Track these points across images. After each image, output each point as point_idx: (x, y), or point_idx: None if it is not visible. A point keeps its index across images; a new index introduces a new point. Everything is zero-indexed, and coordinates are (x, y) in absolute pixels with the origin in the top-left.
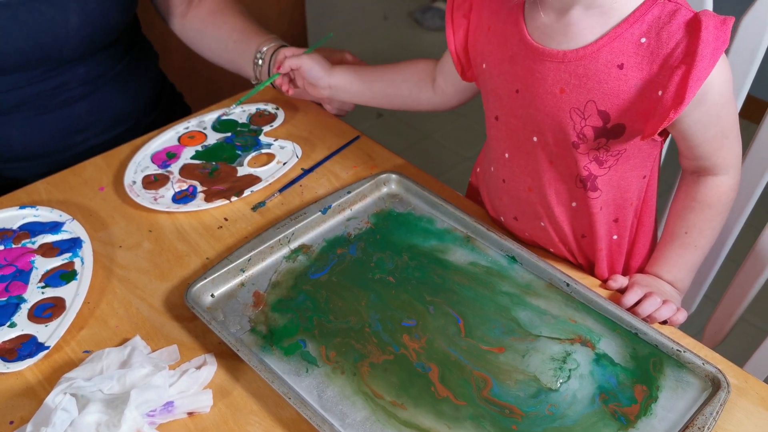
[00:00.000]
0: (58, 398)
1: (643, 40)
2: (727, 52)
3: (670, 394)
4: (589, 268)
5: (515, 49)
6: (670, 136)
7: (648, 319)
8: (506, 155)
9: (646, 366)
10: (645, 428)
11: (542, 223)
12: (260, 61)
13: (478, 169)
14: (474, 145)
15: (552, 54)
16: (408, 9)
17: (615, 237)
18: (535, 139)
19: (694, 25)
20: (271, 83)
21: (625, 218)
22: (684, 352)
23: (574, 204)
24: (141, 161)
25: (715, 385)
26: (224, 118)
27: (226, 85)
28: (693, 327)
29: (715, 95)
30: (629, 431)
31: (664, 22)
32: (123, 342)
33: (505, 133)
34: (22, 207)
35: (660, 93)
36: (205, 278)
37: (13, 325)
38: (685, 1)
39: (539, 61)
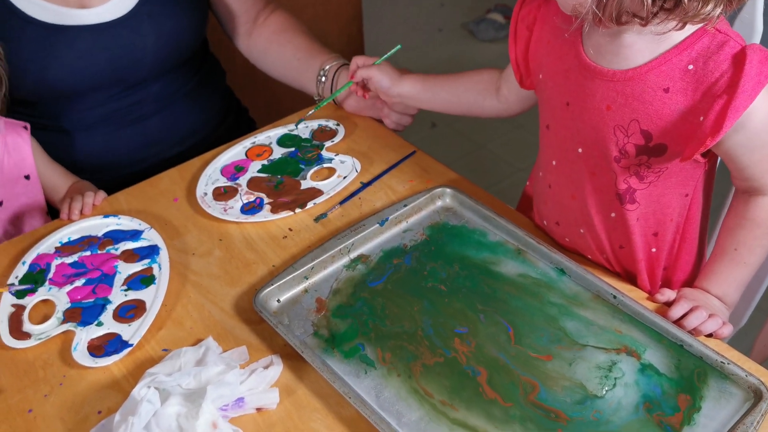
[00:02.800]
0: (143, 391)
1: (691, 67)
2: None
3: (713, 404)
4: (628, 278)
5: (570, 64)
6: (719, 158)
7: (694, 332)
8: (553, 162)
9: (690, 376)
10: None
11: (581, 230)
12: (323, 78)
13: (534, 176)
14: (528, 156)
15: (603, 72)
16: (462, 21)
17: (654, 250)
18: (580, 150)
19: (740, 58)
20: (333, 99)
21: (664, 233)
22: (728, 364)
23: (612, 215)
24: (211, 174)
25: (757, 396)
26: (290, 132)
27: (288, 99)
28: (745, 341)
29: (758, 123)
30: None
31: (713, 52)
32: (197, 342)
33: (554, 141)
34: (106, 216)
35: (701, 119)
36: (272, 285)
37: (100, 324)
38: (736, 33)
39: (590, 77)
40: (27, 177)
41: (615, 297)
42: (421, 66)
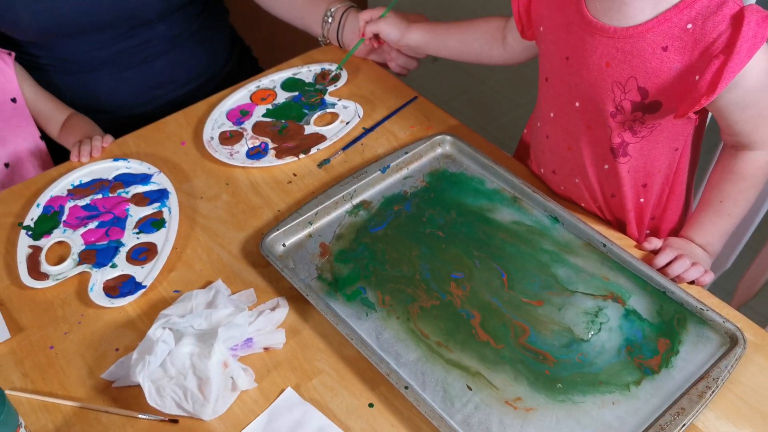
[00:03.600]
0: (158, 332)
1: (690, 26)
2: None
3: (691, 348)
4: (618, 226)
5: (571, 18)
6: (710, 114)
7: (677, 279)
8: (551, 114)
9: (670, 322)
10: (665, 377)
11: (576, 180)
12: (330, 20)
13: (532, 125)
14: (527, 92)
15: (604, 29)
16: None
17: (642, 200)
18: (577, 104)
19: (737, 19)
20: (340, 44)
21: (652, 184)
22: (707, 310)
23: (606, 166)
24: (217, 118)
25: (732, 341)
26: (293, 76)
27: (290, 38)
28: (729, 283)
29: (752, 81)
30: (650, 379)
31: (711, 12)
32: (207, 284)
33: (552, 94)
34: (116, 159)
35: (696, 78)
36: (278, 230)
37: (114, 266)
38: None
39: (591, 33)
40: (14, 100)
41: (605, 245)
42: (426, 3)
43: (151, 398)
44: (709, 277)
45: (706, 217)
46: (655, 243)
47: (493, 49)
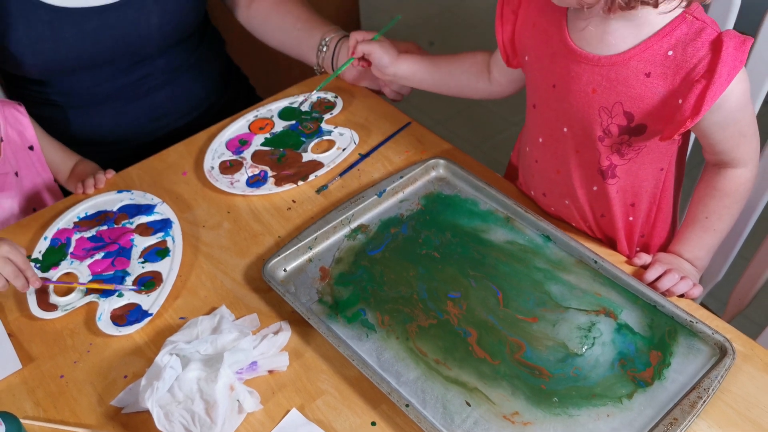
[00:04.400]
0: (165, 358)
1: (670, 53)
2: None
3: (682, 360)
4: (609, 244)
5: (556, 48)
6: (693, 135)
7: (667, 293)
8: (540, 140)
9: (662, 335)
10: (657, 389)
11: (566, 201)
12: (324, 49)
13: (520, 148)
14: (521, 111)
15: (588, 57)
16: None
17: (631, 218)
18: (565, 129)
19: (716, 44)
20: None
21: (640, 203)
22: (696, 322)
23: (595, 188)
24: (217, 148)
25: (722, 352)
26: (290, 105)
27: (285, 67)
28: (721, 295)
29: (732, 103)
30: (643, 391)
31: (691, 39)
32: (211, 310)
33: (540, 120)
34: (120, 191)
35: (680, 101)
36: (279, 255)
37: (121, 295)
38: (711, 20)
39: (576, 62)
40: (31, 148)
41: (596, 262)
42: (415, 18)
43: (160, 423)
44: (697, 291)
45: (692, 233)
46: (644, 258)
47: (479, 82)
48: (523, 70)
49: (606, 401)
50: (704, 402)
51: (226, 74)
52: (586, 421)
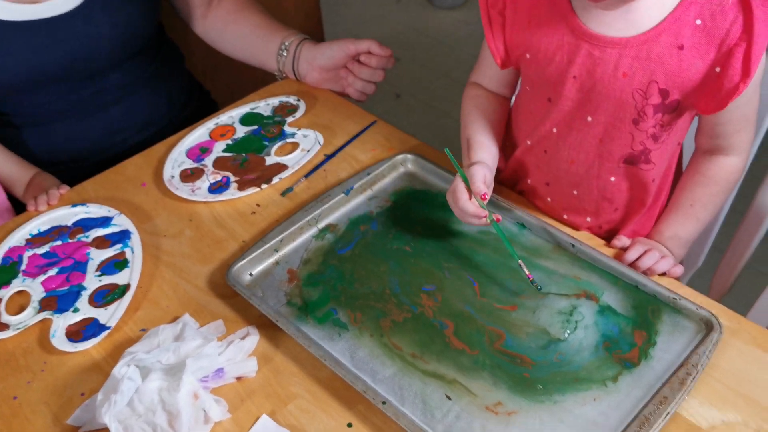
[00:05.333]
0: (123, 369)
1: (698, 21)
2: None
3: (668, 338)
4: (607, 236)
5: (566, 39)
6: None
7: (648, 272)
8: (554, 130)
9: (645, 314)
10: (644, 369)
11: (575, 192)
12: (285, 53)
13: (516, 142)
14: None
15: (614, 41)
16: None
17: (649, 204)
18: (589, 119)
19: (745, 4)
20: (295, 74)
21: (662, 186)
22: (680, 299)
23: (612, 179)
24: (177, 157)
25: (708, 328)
26: (252, 111)
27: (248, 78)
28: (702, 282)
29: (756, 78)
30: (629, 372)
31: (716, 4)
32: (174, 320)
33: (555, 113)
34: (74, 205)
35: (718, 69)
36: (243, 259)
37: (76, 310)
38: None
39: (600, 48)
40: None
41: (574, 246)
42: (380, 35)
43: None
44: (679, 269)
45: (675, 220)
46: (623, 241)
47: (503, 107)
48: (523, 68)
49: (591, 385)
50: (694, 378)
51: (187, 89)
52: (573, 406)
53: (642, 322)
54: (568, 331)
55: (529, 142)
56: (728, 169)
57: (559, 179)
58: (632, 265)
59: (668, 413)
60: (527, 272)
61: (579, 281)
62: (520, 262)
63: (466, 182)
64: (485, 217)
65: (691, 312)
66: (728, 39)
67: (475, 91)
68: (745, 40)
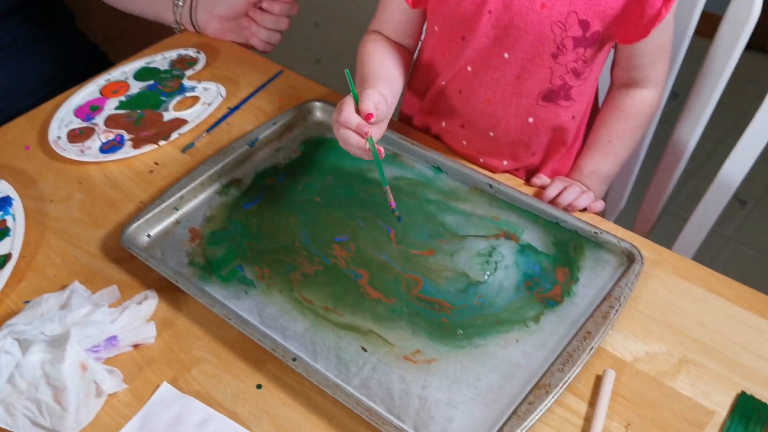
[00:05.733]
0: None
1: None
2: None
3: (590, 273)
4: (526, 178)
5: None
6: None
7: (569, 208)
8: (468, 69)
9: (566, 250)
10: (568, 306)
11: (491, 134)
12: (180, 2)
13: (420, 85)
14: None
15: None
16: None
17: (569, 144)
18: (506, 55)
19: None
20: (194, 26)
21: (581, 125)
22: (601, 233)
23: (530, 119)
24: (64, 117)
25: (630, 260)
26: (147, 66)
27: (148, 39)
28: (625, 222)
29: (671, 9)
30: (552, 310)
31: None
32: (62, 289)
33: (469, 51)
34: None
35: None
36: (139, 219)
37: None
38: None
39: None
40: None
41: (492, 186)
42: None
43: (1, 419)
44: (600, 204)
45: (593, 157)
46: (543, 179)
47: (406, 55)
48: (432, 6)
49: (513, 326)
50: (617, 311)
51: (78, 50)
52: (495, 349)
53: (564, 259)
54: (488, 273)
55: (443, 83)
56: (645, 102)
57: (475, 121)
58: (552, 202)
59: (592, 348)
60: (391, 200)
61: (498, 221)
62: (386, 188)
63: (356, 101)
64: (367, 135)
65: (613, 245)
66: None
67: (374, 36)
68: None
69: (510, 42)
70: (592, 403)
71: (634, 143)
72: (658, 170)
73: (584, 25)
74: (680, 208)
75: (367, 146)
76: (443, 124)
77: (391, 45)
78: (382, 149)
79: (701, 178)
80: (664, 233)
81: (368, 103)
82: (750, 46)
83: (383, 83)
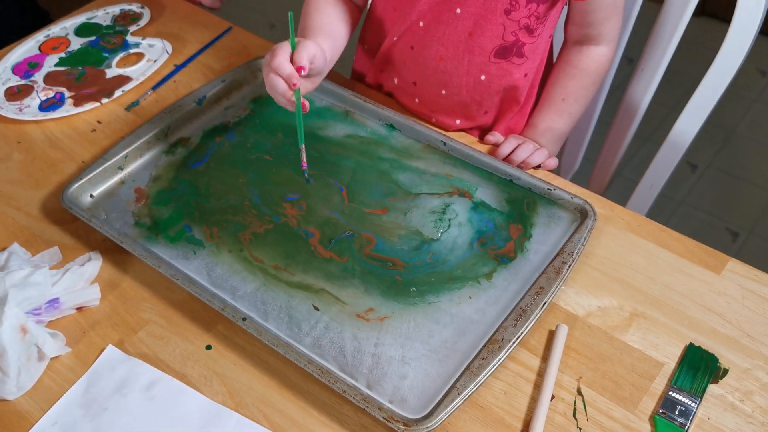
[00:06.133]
0: None
1: None
2: None
3: (543, 230)
4: (480, 136)
5: None
6: None
7: (523, 165)
8: (420, 24)
9: (520, 207)
10: (521, 263)
11: (443, 92)
12: None
13: (373, 38)
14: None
15: None
16: None
17: (522, 102)
18: (458, 11)
19: None
20: None
21: (534, 83)
22: (554, 190)
23: (482, 77)
24: (1, 74)
25: (583, 216)
26: (88, 21)
27: None
28: (581, 183)
29: None
30: (505, 267)
31: None
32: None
33: (421, 5)
34: None
35: None
36: (81, 179)
37: None
38: None
39: None
40: None
41: (445, 143)
42: None
43: None
44: (553, 162)
45: (547, 115)
46: (497, 137)
47: (352, 12)
48: None
49: (465, 283)
50: (569, 267)
51: (19, 12)
52: (448, 306)
53: (517, 216)
54: (442, 230)
55: (395, 38)
56: (599, 59)
57: (427, 78)
58: (506, 159)
59: (545, 303)
60: (304, 159)
61: (451, 179)
62: (301, 146)
63: (293, 49)
64: (295, 87)
65: (566, 202)
66: None
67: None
68: None
69: None
70: (545, 357)
71: (587, 101)
72: (611, 131)
73: None
74: (633, 172)
75: (293, 98)
76: (395, 80)
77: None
78: (307, 104)
79: (654, 143)
80: (618, 197)
81: (303, 54)
82: (703, 12)
83: (325, 37)
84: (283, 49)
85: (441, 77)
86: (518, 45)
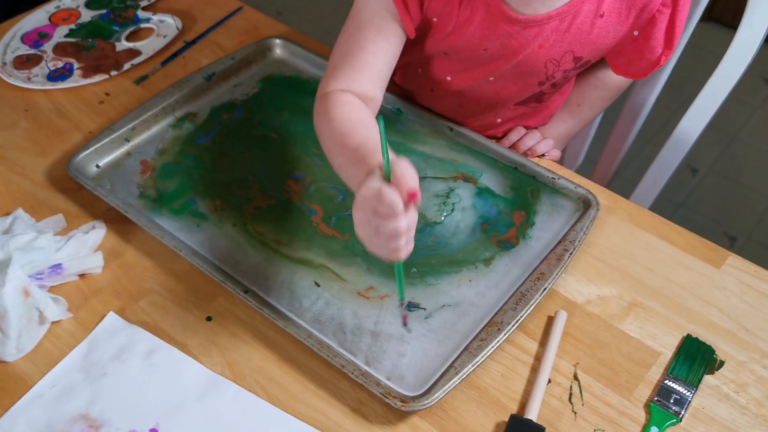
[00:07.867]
0: None
1: None
2: None
3: (546, 218)
4: None
5: (482, 14)
6: None
7: (528, 153)
8: (448, 78)
9: (524, 194)
10: (523, 249)
11: (458, 107)
12: None
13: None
14: None
15: (537, 19)
16: None
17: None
18: (491, 78)
19: None
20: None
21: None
22: (558, 179)
23: (498, 120)
24: (11, 42)
25: (586, 205)
26: None
27: None
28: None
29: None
30: (507, 252)
31: None
32: (4, 216)
33: (453, 66)
34: None
35: (636, 33)
36: (88, 148)
37: None
38: None
39: (523, 27)
40: None
41: (451, 129)
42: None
43: None
44: (557, 153)
45: (559, 116)
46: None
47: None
48: (424, 29)
49: (464, 267)
50: (571, 254)
51: None
52: (448, 288)
53: (521, 203)
54: (445, 214)
55: (419, 70)
56: (624, 77)
57: (444, 98)
58: (512, 147)
59: (545, 289)
60: (405, 315)
61: (456, 164)
62: (403, 303)
63: (388, 176)
64: (417, 199)
65: (570, 191)
66: (650, 4)
67: (346, 97)
68: (668, 6)
69: (498, 71)
70: (543, 342)
71: (600, 111)
72: (613, 132)
73: (577, 60)
74: (634, 173)
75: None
76: (411, 90)
77: (365, 107)
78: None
79: (656, 145)
80: (621, 191)
81: (414, 175)
82: (710, 17)
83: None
84: (390, 195)
85: (458, 103)
86: (540, 95)
